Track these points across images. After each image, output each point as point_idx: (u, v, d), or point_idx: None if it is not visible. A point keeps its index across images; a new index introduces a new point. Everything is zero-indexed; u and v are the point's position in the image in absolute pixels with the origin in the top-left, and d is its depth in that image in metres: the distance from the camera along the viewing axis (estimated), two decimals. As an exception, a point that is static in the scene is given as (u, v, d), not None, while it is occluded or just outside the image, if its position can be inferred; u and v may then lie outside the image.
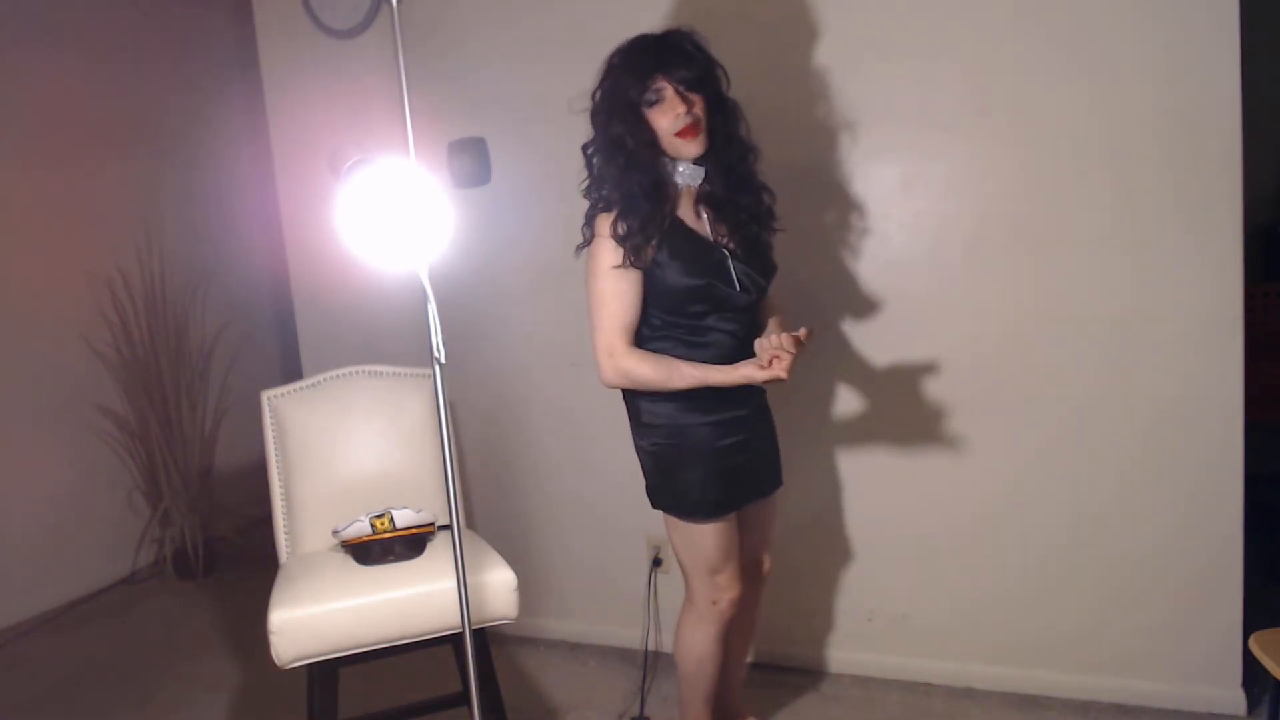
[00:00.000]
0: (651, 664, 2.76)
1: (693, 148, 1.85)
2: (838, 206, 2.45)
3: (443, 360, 1.56)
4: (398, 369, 2.39)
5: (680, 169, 1.89)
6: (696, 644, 2.05)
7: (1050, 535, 2.39)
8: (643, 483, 2.77)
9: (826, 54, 2.40)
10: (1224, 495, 2.21)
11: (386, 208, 1.56)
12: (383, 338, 2.97)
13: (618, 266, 1.85)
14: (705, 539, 1.97)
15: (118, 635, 3.35)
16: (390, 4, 1.56)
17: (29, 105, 3.58)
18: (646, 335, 1.94)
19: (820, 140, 2.43)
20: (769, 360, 1.78)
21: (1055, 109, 2.23)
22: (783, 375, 1.77)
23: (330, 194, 1.74)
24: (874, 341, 2.48)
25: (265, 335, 4.59)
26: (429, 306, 1.54)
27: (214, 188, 4.34)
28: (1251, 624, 2.07)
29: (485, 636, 2.07)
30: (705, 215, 1.94)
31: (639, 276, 1.88)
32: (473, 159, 2.81)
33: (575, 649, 2.94)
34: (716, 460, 1.95)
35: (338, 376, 2.36)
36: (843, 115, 2.41)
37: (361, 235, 1.59)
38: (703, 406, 1.93)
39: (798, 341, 1.78)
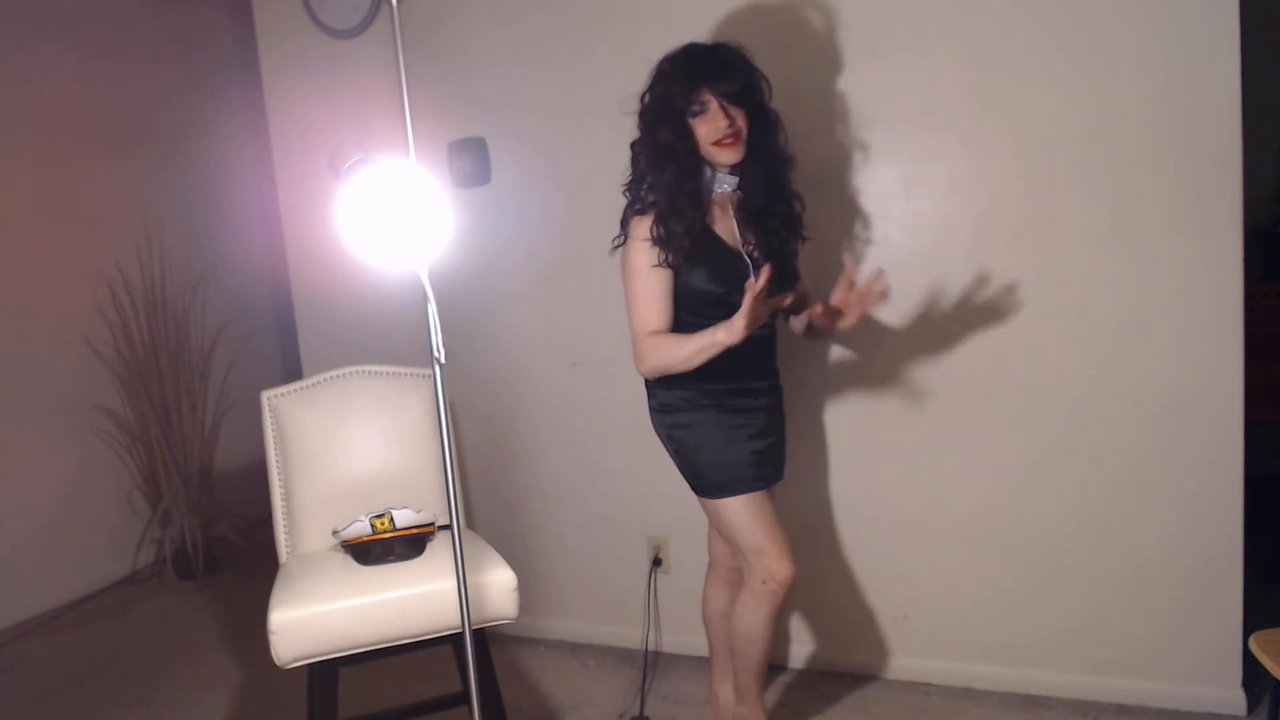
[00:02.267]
0: (651, 664, 2.76)
1: (729, 156, 1.93)
2: (839, 207, 2.45)
3: (443, 360, 1.56)
4: (398, 369, 2.39)
5: (717, 178, 1.98)
6: (747, 620, 2.08)
7: (1050, 535, 2.39)
8: (643, 483, 2.78)
9: (826, 55, 2.40)
10: (1224, 495, 2.21)
11: (386, 208, 1.56)
12: (383, 338, 2.97)
13: (656, 266, 1.94)
14: (736, 516, 2.04)
15: (118, 635, 3.35)
16: (390, 4, 1.56)
17: (29, 104, 3.58)
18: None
19: (822, 141, 2.43)
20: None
21: (1055, 109, 2.23)
22: (757, 303, 1.80)
23: (330, 194, 1.74)
24: (874, 341, 2.48)
25: (265, 335, 4.59)
26: (429, 306, 1.54)
27: (214, 188, 4.34)
28: (1251, 624, 2.07)
29: (485, 636, 2.07)
30: (736, 221, 2.02)
31: (670, 277, 1.97)
32: (473, 159, 2.82)
33: (575, 649, 2.94)
34: (730, 440, 2.03)
35: (338, 376, 2.36)
36: (844, 116, 2.41)
37: (361, 235, 1.59)
38: (714, 394, 2.02)
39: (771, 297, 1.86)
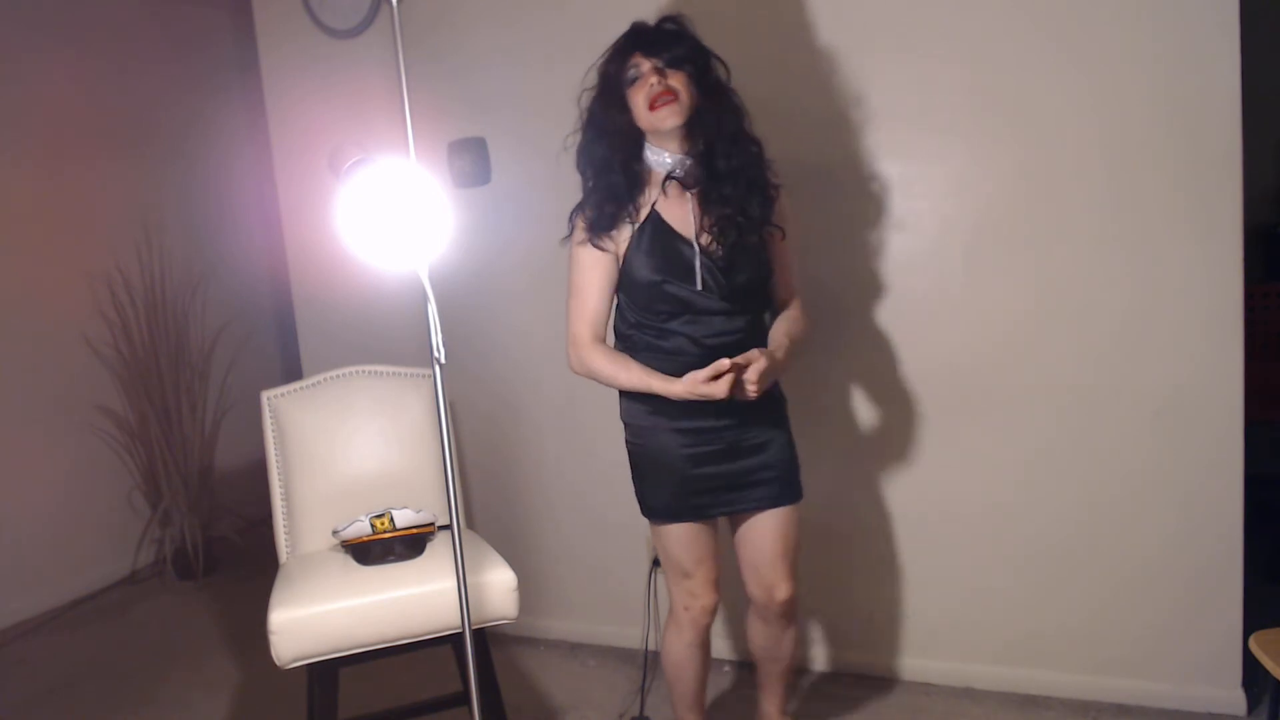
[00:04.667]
0: (651, 664, 2.76)
1: (667, 118, 1.80)
2: (837, 208, 2.45)
3: (443, 360, 1.56)
4: (398, 369, 2.39)
5: (657, 155, 1.87)
6: (671, 649, 2.07)
7: (1050, 535, 2.39)
8: (642, 483, 2.78)
9: (828, 53, 2.40)
10: (1224, 495, 2.21)
11: (386, 208, 1.56)
12: (383, 338, 2.97)
13: (581, 244, 1.89)
14: (668, 542, 1.98)
15: (118, 635, 3.35)
16: (390, 4, 1.56)
17: (29, 105, 3.58)
18: (622, 331, 1.97)
19: (820, 140, 2.43)
20: (712, 377, 1.75)
21: (1055, 109, 2.23)
22: (717, 393, 1.75)
23: (330, 194, 1.74)
24: (873, 341, 2.47)
25: (265, 335, 4.59)
26: (429, 306, 1.54)
27: (214, 188, 4.34)
28: (1251, 624, 2.07)
29: (485, 636, 2.06)
30: (692, 209, 1.88)
31: (611, 267, 1.90)
32: (473, 159, 2.82)
33: (575, 649, 2.94)
34: (676, 466, 1.92)
35: (338, 376, 2.36)
36: (843, 115, 2.41)
37: (361, 235, 1.59)
38: (670, 412, 1.89)
39: (738, 367, 1.76)
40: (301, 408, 2.31)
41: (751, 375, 1.78)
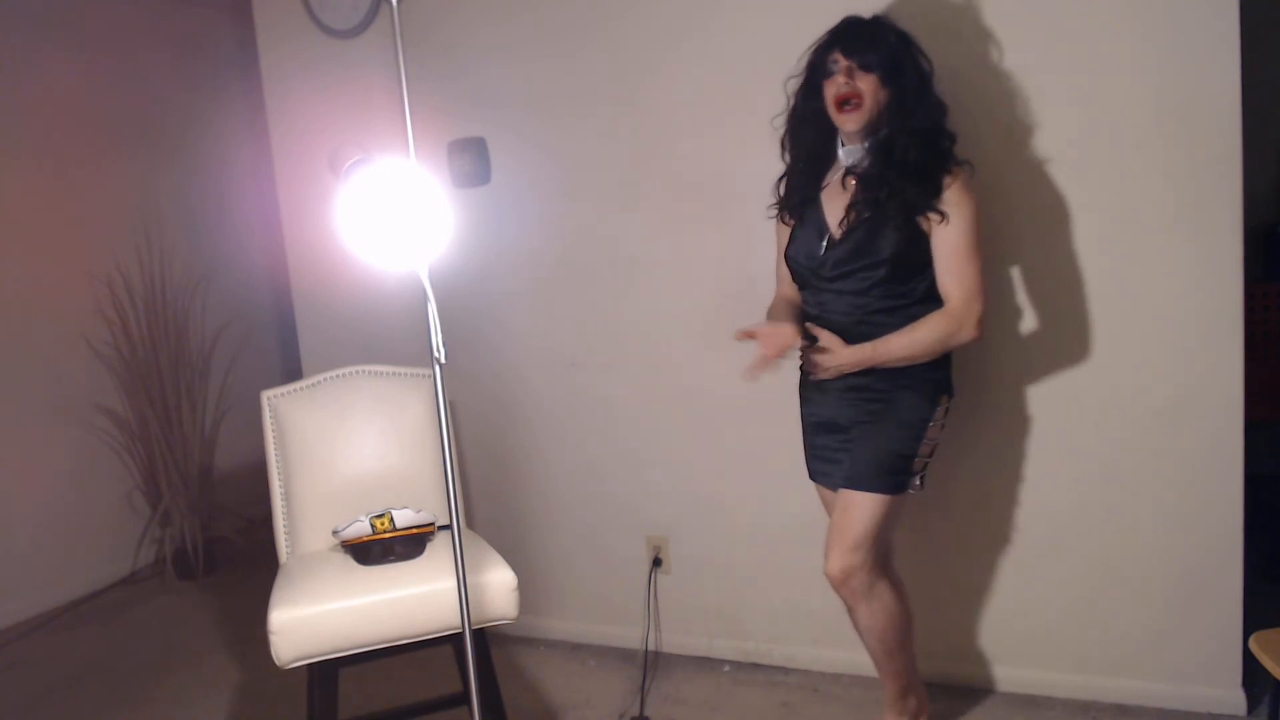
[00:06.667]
0: (651, 664, 2.76)
1: (847, 121, 1.91)
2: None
3: (443, 360, 1.56)
4: (398, 369, 2.39)
5: (843, 148, 1.98)
6: None
7: (1049, 535, 2.39)
8: (642, 483, 2.79)
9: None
10: (1224, 495, 2.21)
11: (386, 208, 1.56)
12: (383, 338, 2.97)
13: (772, 217, 2.15)
14: None
15: (118, 635, 3.35)
16: (390, 4, 1.56)
17: (29, 105, 3.58)
18: None
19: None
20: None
21: (1054, 108, 2.23)
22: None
23: (330, 194, 1.74)
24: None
25: (265, 335, 4.59)
26: (429, 306, 1.54)
27: (214, 188, 4.34)
28: (1251, 624, 2.07)
29: (485, 636, 2.07)
30: (851, 194, 1.97)
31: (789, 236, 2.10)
32: (473, 159, 2.82)
33: (575, 649, 2.94)
34: (803, 427, 2.17)
35: (338, 376, 2.36)
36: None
37: (361, 235, 1.59)
38: (803, 378, 2.15)
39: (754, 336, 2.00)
40: (301, 408, 2.31)
41: (820, 358, 1.99)
